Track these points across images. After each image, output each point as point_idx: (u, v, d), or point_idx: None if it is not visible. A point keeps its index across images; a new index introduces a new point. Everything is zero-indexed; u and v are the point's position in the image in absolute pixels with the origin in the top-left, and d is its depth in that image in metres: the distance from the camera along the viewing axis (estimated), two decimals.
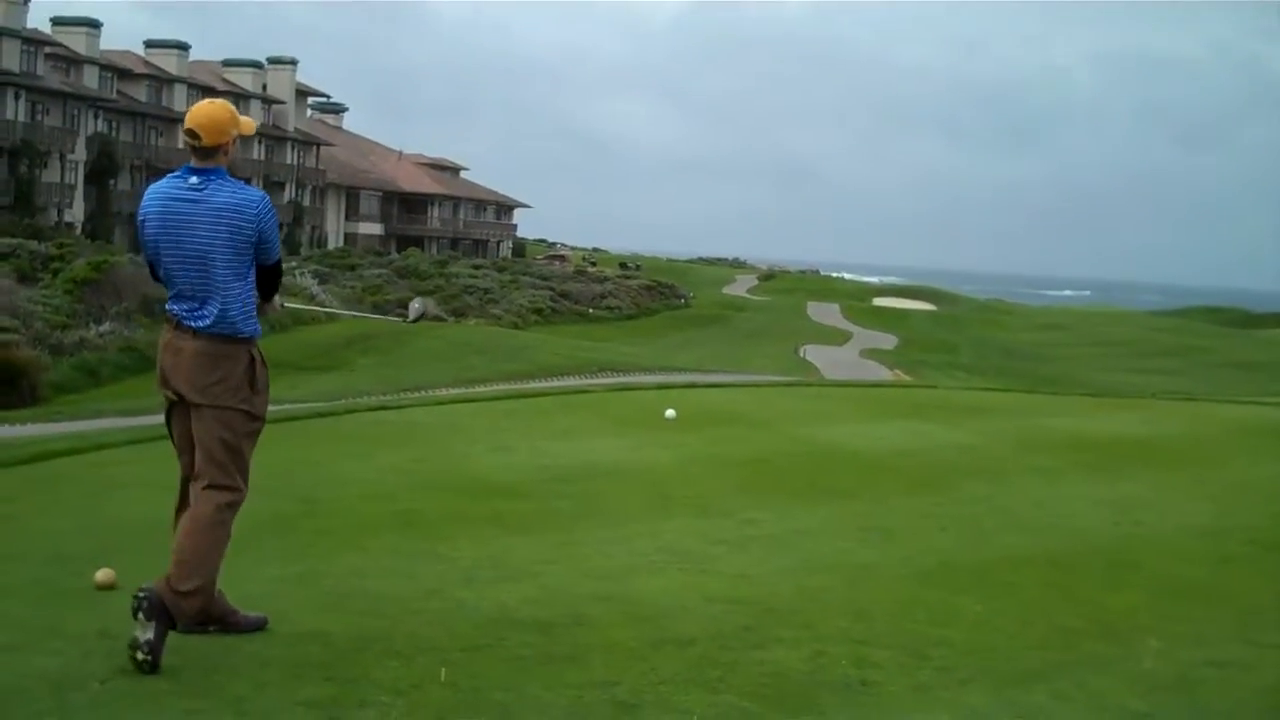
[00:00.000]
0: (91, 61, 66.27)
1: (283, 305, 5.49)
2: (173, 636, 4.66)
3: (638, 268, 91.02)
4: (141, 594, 4.46)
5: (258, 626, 4.90)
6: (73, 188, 63.22)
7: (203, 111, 4.82)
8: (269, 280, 5.00)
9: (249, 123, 4.94)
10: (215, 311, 4.74)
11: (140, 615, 4.40)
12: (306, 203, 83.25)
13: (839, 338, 57.91)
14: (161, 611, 4.44)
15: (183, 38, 75.19)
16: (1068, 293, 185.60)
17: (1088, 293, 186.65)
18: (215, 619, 4.85)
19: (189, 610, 4.58)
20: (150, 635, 4.38)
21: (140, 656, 4.35)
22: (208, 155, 4.77)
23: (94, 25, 66.99)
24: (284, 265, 5.18)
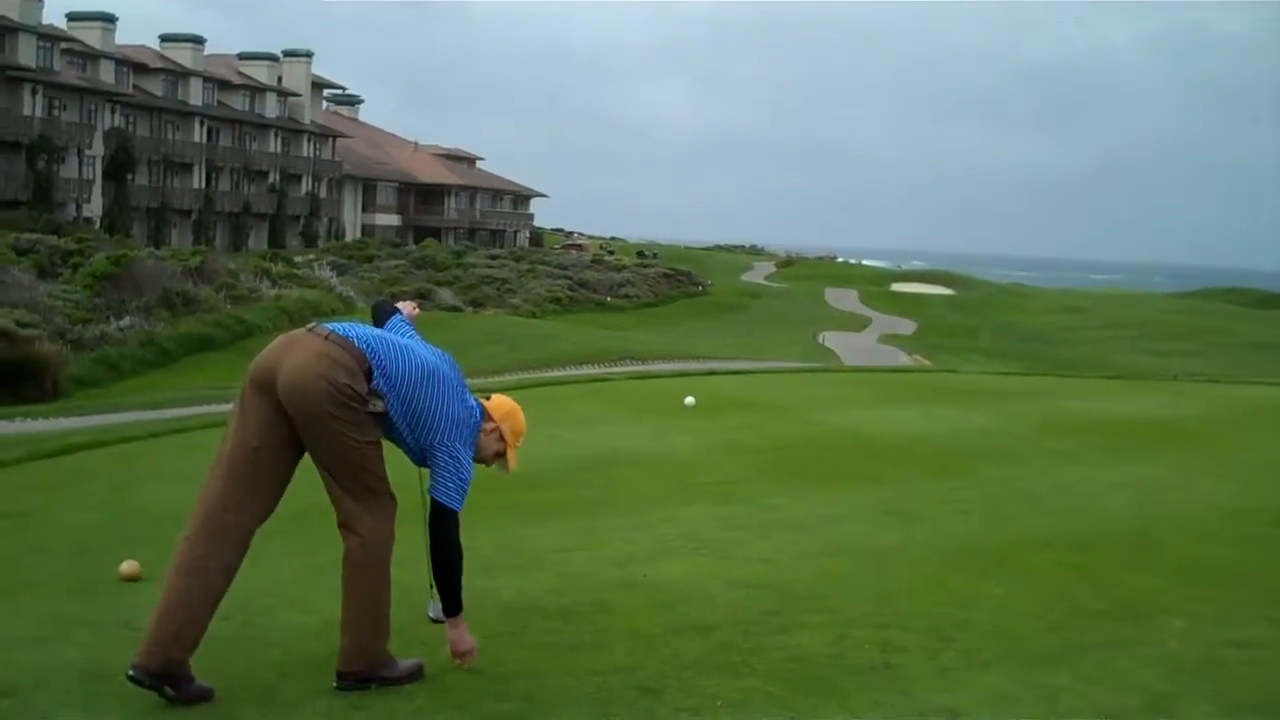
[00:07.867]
0: (107, 56, 66.49)
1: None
2: None
3: (655, 256, 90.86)
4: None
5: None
6: (90, 183, 63.48)
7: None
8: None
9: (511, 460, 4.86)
10: None
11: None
12: (323, 195, 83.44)
13: (858, 324, 57.71)
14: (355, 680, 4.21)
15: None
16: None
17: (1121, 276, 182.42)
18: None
19: (375, 655, 4.24)
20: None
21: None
22: None
23: (109, 20, 67.18)
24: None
